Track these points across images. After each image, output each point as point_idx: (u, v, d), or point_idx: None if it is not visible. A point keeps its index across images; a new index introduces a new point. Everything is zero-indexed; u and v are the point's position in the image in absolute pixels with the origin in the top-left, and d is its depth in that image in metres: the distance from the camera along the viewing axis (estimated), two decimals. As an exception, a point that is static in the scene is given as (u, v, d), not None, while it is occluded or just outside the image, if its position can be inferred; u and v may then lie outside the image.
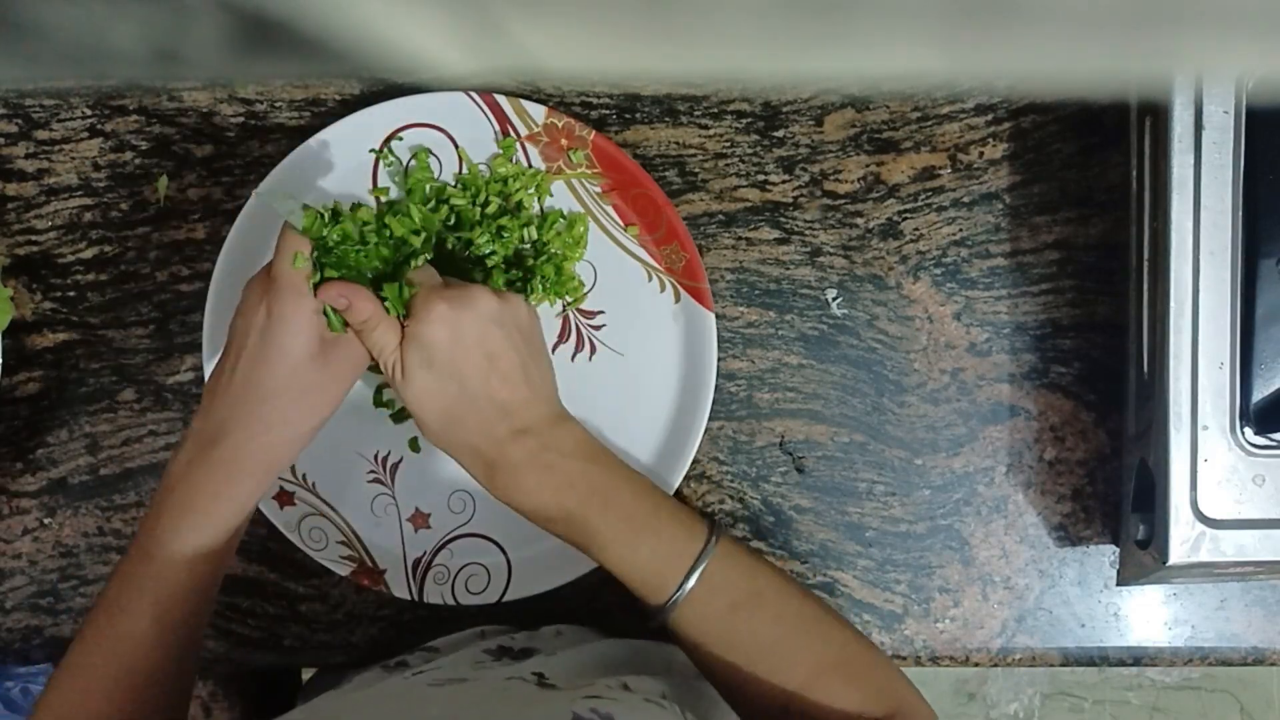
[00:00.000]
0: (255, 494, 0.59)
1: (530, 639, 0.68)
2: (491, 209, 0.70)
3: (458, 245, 0.68)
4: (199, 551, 0.58)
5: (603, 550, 0.59)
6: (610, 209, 0.71)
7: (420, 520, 0.72)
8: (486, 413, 0.59)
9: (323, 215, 0.61)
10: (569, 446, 0.60)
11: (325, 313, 0.60)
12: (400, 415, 0.72)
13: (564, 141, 0.71)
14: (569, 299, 0.71)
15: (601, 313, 0.72)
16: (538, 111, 0.70)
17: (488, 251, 0.68)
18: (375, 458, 0.72)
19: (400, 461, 0.72)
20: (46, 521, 0.74)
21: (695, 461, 0.71)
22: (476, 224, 0.69)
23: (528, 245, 0.70)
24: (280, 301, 0.58)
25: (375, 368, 0.71)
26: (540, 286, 0.69)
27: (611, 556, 0.59)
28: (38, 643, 0.75)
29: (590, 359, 0.72)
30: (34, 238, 0.74)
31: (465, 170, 0.71)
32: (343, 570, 0.71)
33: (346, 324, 0.60)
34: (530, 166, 0.71)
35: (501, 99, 0.70)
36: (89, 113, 0.74)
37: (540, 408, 0.60)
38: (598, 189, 0.71)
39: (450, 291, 0.59)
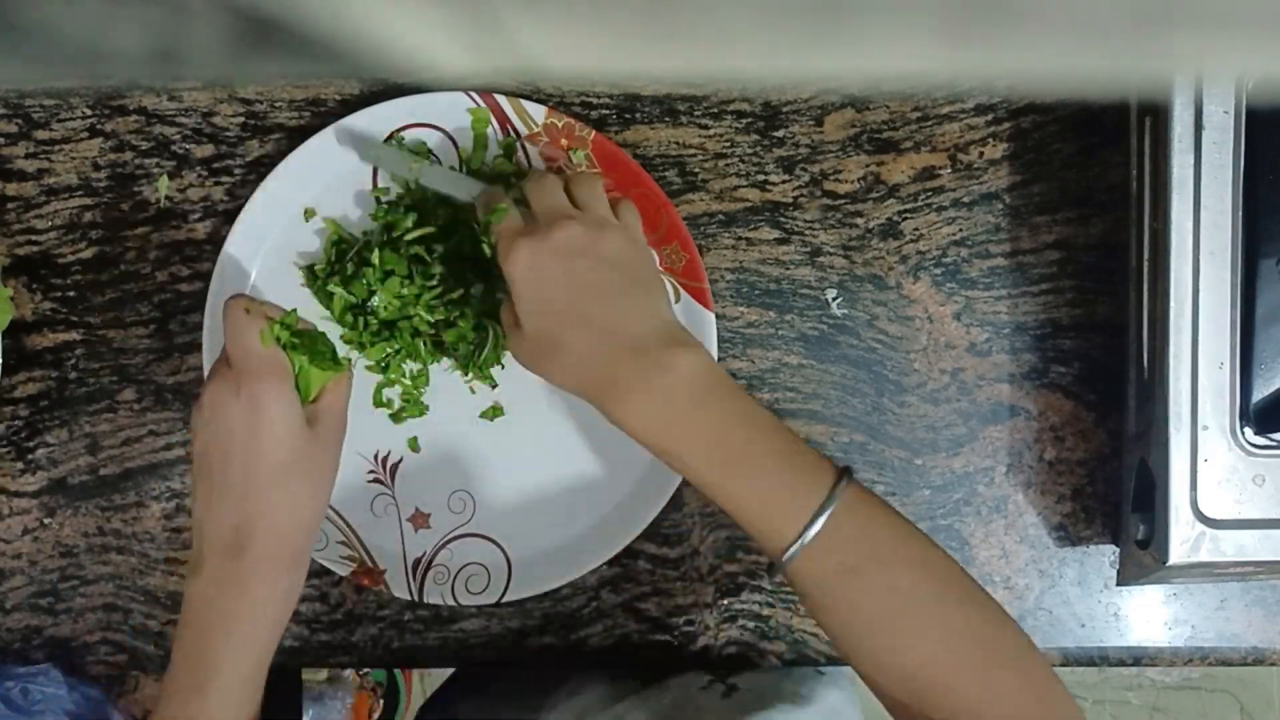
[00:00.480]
0: (297, 585, 0.59)
1: None
2: None
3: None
4: (257, 660, 0.57)
5: (716, 488, 0.57)
6: None
7: (420, 520, 0.72)
8: (586, 338, 0.58)
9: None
10: (685, 371, 0.57)
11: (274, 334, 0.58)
12: (399, 415, 0.72)
13: (564, 141, 0.71)
14: None
15: None
16: (538, 111, 0.70)
17: (490, 254, 0.68)
18: (375, 458, 0.72)
19: (400, 461, 0.72)
20: (46, 521, 0.74)
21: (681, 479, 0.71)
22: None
23: None
24: (263, 386, 0.56)
25: (376, 366, 0.71)
26: None
27: (726, 494, 0.56)
28: (37, 642, 0.75)
29: None
30: (34, 238, 0.74)
31: (465, 170, 0.71)
32: (343, 570, 0.71)
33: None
34: (530, 166, 0.71)
35: (501, 99, 0.70)
36: (89, 113, 0.74)
37: (648, 323, 0.59)
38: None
39: (536, 229, 0.59)
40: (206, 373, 0.67)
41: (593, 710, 0.70)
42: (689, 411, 0.57)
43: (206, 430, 0.57)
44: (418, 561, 0.72)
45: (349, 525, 0.72)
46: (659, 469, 0.71)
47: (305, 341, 0.59)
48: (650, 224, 0.71)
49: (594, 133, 0.70)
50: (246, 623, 0.56)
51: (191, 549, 0.58)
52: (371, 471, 0.72)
